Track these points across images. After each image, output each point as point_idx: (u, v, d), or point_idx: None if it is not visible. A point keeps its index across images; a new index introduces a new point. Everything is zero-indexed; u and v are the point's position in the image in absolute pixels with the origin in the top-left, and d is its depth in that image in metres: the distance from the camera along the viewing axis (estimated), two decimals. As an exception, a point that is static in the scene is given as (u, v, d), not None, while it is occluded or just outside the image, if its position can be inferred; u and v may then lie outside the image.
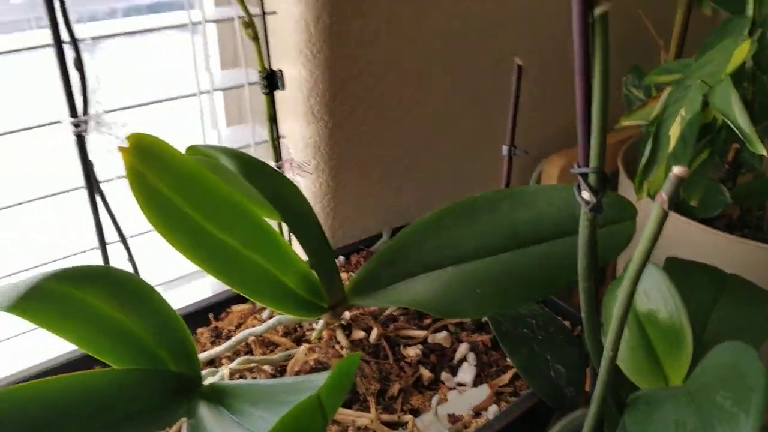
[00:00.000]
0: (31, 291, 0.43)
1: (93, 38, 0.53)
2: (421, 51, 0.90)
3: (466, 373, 0.72)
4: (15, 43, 0.60)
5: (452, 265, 0.72)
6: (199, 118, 0.83)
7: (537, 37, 1.03)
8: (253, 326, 0.77)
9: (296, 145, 0.85)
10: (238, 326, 0.80)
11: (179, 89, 0.74)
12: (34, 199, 0.55)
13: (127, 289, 0.54)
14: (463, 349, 0.75)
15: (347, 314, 0.77)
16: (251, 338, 0.75)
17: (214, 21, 0.71)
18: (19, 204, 0.56)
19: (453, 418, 0.68)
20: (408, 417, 0.66)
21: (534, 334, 0.72)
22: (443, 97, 0.96)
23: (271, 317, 0.79)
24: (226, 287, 0.86)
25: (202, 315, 0.80)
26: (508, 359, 0.72)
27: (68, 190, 0.63)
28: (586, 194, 0.42)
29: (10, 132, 0.55)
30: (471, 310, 0.75)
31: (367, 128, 0.89)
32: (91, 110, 0.48)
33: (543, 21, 1.02)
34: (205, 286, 0.91)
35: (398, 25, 0.85)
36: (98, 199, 0.55)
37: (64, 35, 0.47)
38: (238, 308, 0.82)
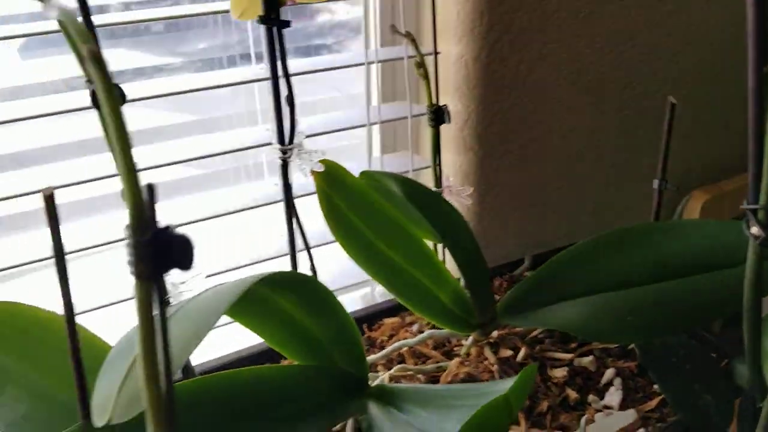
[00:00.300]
0: (244, 294, 0.50)
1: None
2: (570, 86, 0.94)
3: (613, 396, 0.75)
4: (233, 77, 0.70)
5: (603, 293, 0.75)
6: (360, 147, 0.91)
7: (683, 75, 1.04)
8: (405, 338, 0.83)
9: (446, 171, 0.91)
10: (390, 337, 0.86)
11: (346, 120, 0.82)
12: (239, 210, 0.64)
13: (311, 294, 0.61)
14: (609, 373, 0.77)
15: (495, 333, 0.82)
16: (404, 349, 0.81)
17: (386, 60, 0.79)
18: (228, 214, 0.66)
19: (599, 439, 0.70)
20: (556, 433, 0.69)
21: (681, 363, 0.73)
22: (590, 129, 0.99)
23: (420, 332, 0.85)
24: (378, 300, 0.94)
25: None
26: (655, 386, 0.74)
27: (267, 204, 0.73)
28: (755, 229, 0.44)
29: (221, 153, 0.65)
30: (620, 336, 0.77)
31: (514, 158, 0.94)
32: (296, 140, 0.56)
33: (689, 60, 1.03)
34: (356, 299, 0.98)
35: (550, 61, 0.90)
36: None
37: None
38: (389, 321, 0.88)
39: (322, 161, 0.60)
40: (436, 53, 0.73)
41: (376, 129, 0.95)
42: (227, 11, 0.70)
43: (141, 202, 0.27)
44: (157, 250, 0.27)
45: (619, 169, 1.06)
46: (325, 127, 0.80)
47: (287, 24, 0.51)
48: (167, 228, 0.28)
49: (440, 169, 0.76)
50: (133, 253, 0.27)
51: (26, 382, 0.55)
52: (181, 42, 0.81)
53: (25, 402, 0.55)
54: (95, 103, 0.45)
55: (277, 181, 0.83)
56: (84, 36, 0.29)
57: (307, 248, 0.64)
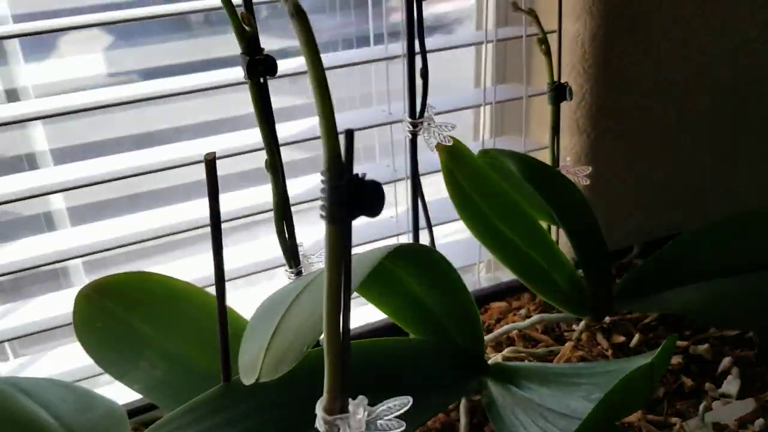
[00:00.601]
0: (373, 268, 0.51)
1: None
2: (687, 68, 0.90)
3: (731, 384, 0.72)
4: (366, 54, 0.72)
5: (724, 277, 0.72)
6: (464, 130, 0.91)
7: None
8: (514, 322, 0.83)
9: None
10: (498, 321, 0.85)
11: (461, 101, 0.82)
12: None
13: (434, 267, 0.62)
14: (726, 362, 0.75)
15: (606, 319, 0.80)
16: (514, 332, 0.80)
17: (504, 39, 0.79)
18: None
19: (718, 427, 0.68)
20: (675, 419, 0.68)
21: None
22: (706, 113, 0.95)
23: (527, 316, 0.84)
24: (483, 285, 0.93)
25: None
26: (780, 376, 0.71)
27: (396, 180, 0.75)
28: None
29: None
30: (740, 322, 0.74)
31: (627, 142, 0.92)
32: (426, 114, 0.57)
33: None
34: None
35: (667, 44, 0.87)
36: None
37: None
38: (495, 305, 0.88)
39: (450, 136, 0.60)
40: (560, 30, 0.72)
41: (482, 112, 0.94)
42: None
43: (338, 147, 0.28)
44: (351, 195, 0.28)
45: (734, 154, 1.02)
46: (439, 107, 0.80)
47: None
48: (360, 175, 0.29)
49: (558, 148, 0.75)
50: (327, 197, 0.28)
51: (163, 348, 0.57)
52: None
53: (162, 367, 0.57)
54: (249, 76, 0.47)
55: (389, 162, 0.85)
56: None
57: (429, 225, 0.65)
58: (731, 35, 0.91)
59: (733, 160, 1.02)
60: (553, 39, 0.77)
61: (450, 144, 0.59)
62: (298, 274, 0.57)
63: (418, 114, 0.57)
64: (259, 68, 0.48)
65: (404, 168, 0.81)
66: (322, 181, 0.28)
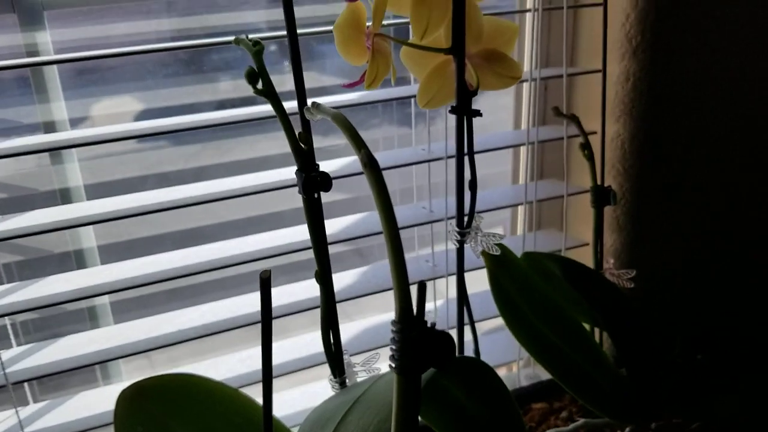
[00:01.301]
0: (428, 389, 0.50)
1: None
2: (727, 163, 0.90)
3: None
4: (410, 156, 0.73)
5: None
6: (520, 223, 0.91)
7: None
8: (556, 426, 0.80)
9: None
10: (539, 424, 0.83)
11: (500, 198, 0.83)
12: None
13: (475, 375, 0.61)
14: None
15: (653, 424, 0.77)
16: (557, 436, 0.78)
17: (544, 141, 0.80)
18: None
19: None
20: None
21: None
22: (749, 208, 0.95)
23: (570, 419, 0.82)
24: (523, 384, 0.91)
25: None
26: None
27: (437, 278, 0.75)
28: None
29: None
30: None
31: (668, 240, 0.91)
32: (474, 223, 0.57)
33: None
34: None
35: (707, 141, 0.87)
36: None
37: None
38: (537, 406, 0.86)
39: (499, 246, 0.60)
40: (603, 134, 0.73)
41: (520, 208, 0.94)
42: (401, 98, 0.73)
43: (410, 300, 0.28)
44: (422, 347, 0.27)
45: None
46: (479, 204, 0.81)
47: (478, 113, 0.53)
48: (432, 326, 0.29)
49: (602, 250, 0.74)
50: (398, 349, 0.28)
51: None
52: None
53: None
54: (305, 192, 0.48)
55: (428, 257, 0.85)
56: (358, 144, 0.31)
57: (472, 323, 0.64)
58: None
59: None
60: (593, 139, 0.77)
61: (498, 253, 0.59)
62: (342, 384, 0.56)
63: (465, 224, 0.57)
64: (315, 184, 0.49)
65: (443, 263, 0.81)
66: (393, 332, 0.28)
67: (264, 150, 0.81)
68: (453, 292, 0.68)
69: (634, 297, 0.91)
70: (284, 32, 0.48)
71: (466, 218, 0.58)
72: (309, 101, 0.50)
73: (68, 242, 0.74)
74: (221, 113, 0.69)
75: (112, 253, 0.75)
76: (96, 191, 0.73)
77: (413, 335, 0.28)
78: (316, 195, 0.50)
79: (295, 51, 0.48)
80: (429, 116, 0.78)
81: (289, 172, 0.72)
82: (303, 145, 0.49)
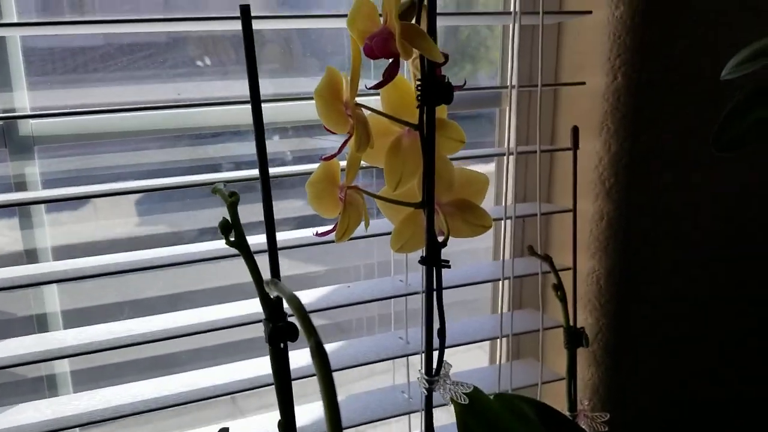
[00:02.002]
0: None
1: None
2: (707, 299, 0.91)
3: None
4: (376, 288, 0.73)
5: None
6: (499, 352, 0.90)
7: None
8: None
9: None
10: None
11: (480, 331, 0.83)
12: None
13: None
14: None
15: None
16: None
17: (522, 276, 0.80)
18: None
19: None
20: None
21: None
22: (730, 341, 0.94)
23: None
24: None
25: None
26: None
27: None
28: None
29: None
30: None
31: (646, 374, 0.90)
32: (442, 371, 0.57)
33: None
34: None
35: (684, 275, 0.88)
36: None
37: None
38: None
39: (467, 396, 0.59)
40: (575, 274, 0.74)
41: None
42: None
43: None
44: None
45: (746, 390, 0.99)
46: (454, 340, 0.81)
47: (447, 264, 0.54)
48: None
49: (575, 392, 0.73)
50: None
51: None
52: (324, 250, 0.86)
53: None
54: (271, 342, 0.48)
55: (404, 388, 0.83)
56: (309, 331, 0.31)
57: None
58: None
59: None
60: (567, 276, 0.78)
61: (466, 403, 0.58)
62: None
63: (434, 371, 0.57)
64: (281, 334, 0.49)
65: (419, 395, 0.79)
66: None
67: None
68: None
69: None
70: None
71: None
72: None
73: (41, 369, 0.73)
74: (199, 246, 0.70)
75: (84, 379, 0.74)
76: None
77: None
78: (282, 345, 0.50)
79: (267, 196, 0.49)
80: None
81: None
82: (272, 295, 0.49)
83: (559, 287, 0.72)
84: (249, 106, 0.46)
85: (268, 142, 0.81)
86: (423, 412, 0.58)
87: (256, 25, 0.72)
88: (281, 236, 0.73)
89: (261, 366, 0.75)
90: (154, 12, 0.71)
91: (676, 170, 0.83)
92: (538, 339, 0.89)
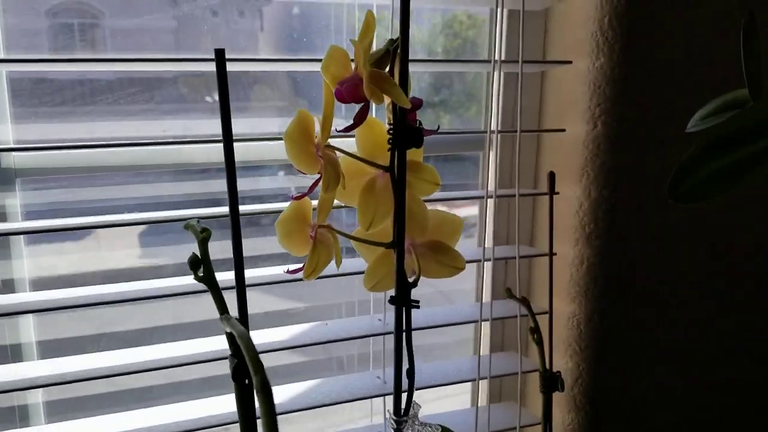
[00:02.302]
0: None
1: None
2: (688, 345, 0.91)
3: None
4: (364, 327, 0.73)
5: None
6: (479, 393, 0.90)
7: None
8: None
9: (556, 427, 0.88)
10: None
11: (455, 371, 0.82)
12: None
13: None
14: None
15: None
16: None
17: (500, 318, 0.81)
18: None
19: None
20: None
21: None
22: (714, 383, 0.94)
23: None
24: None
25: None
26: None
27: None
28: None
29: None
30: None
31: (626, 420, 0.89)
32: (411, 411, 0.57)
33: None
34: None
35: (666, 323, 0.88)
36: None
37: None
38: None
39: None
40: (551, 315, 0.74)
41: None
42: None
43: None
44: None
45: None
46: (432, 380, 0.80)
47: (416, 304, 0.54)
48: None
49: (551, 435, 0.73)
50: None
51: None
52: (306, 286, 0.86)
53: None
54: (234, 378, 0.48)
55: (380, 374, 0.83)
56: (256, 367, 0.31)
57: None
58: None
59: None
60: (544, 321, 0.78)
61: (433, 443, 0.58)
62: None
63: (402, 411, 0.57)
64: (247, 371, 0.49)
65: None
66: None
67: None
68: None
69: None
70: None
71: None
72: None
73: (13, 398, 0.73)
74: (173, 281, 0.70)
75: (58, 410, 0.74)
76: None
77: None
78: (246, 381, 0.50)
79: (237, 233, 0.49)
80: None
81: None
82: (226, 331, 0.49)
83: (535, 330, 0.72)
84: (239, 144, 0.47)
85: (273, 178, 0.82)
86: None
87: (244, 66, 0.74)
88: (256, 272, 0.73)
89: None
90: (165, 49, 0.73)
91: (656, 217, 0.84)
92: (517, 382, 0.88)
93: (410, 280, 0.55)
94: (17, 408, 0.73)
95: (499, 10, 0.75)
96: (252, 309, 0.54)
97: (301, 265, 0.54)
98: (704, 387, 0.93)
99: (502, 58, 0.82)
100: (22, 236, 0.69)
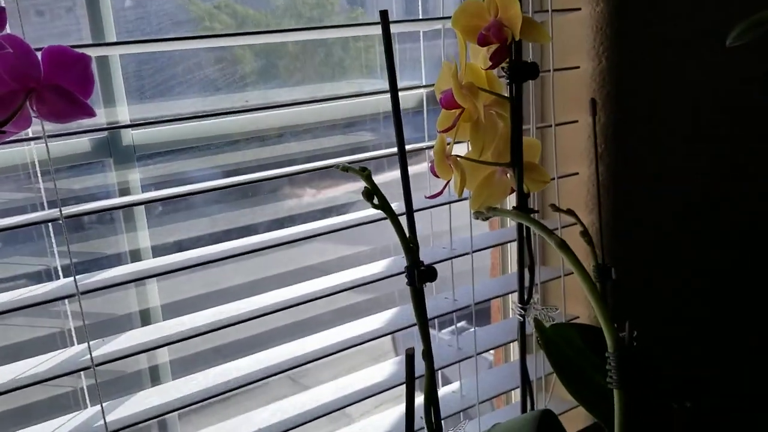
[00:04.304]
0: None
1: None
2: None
3: None
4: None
5: None
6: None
7: None
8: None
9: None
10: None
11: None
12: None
13: None
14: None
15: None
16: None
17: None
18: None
19: None
20: None
21: None
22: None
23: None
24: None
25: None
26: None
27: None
28: None
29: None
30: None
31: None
32: (532, 300, 0.69)
33: None
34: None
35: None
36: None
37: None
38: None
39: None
40: (601, 219, 0.88)
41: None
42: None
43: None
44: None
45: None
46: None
47: (535, 210, 0.66)
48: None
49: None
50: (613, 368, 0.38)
51: None
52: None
53: None
54: (412, 283, 0.58)
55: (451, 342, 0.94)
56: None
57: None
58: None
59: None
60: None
61: (552, 322, 0.70)
62: None
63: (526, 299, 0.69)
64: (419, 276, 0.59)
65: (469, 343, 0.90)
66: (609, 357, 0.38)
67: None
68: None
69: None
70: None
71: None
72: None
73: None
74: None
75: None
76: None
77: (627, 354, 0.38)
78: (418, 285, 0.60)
79: (404, 165, 0.58)
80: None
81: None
82: (411, 245, 0.59)
83: (585, 233, 0.85)
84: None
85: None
86: (519, 336, 0.70)
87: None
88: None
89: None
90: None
91: (656, 133, 0.99)
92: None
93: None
94: (149, 369, 0.79)
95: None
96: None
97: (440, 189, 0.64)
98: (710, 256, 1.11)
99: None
100: (144, 208, 0.75)
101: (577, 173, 0.98)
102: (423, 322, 0.61)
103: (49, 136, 0.58)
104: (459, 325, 0.96)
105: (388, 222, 0.57)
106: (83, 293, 0.61)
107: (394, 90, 0.57)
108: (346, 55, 0.91)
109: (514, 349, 1.11)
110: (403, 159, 0.59)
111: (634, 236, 1.01)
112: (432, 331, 1.02)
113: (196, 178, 0.78)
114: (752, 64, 1.06)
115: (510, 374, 0.97)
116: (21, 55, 0.47)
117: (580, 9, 0.92)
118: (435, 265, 0.57)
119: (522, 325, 0.69)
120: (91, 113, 0.49)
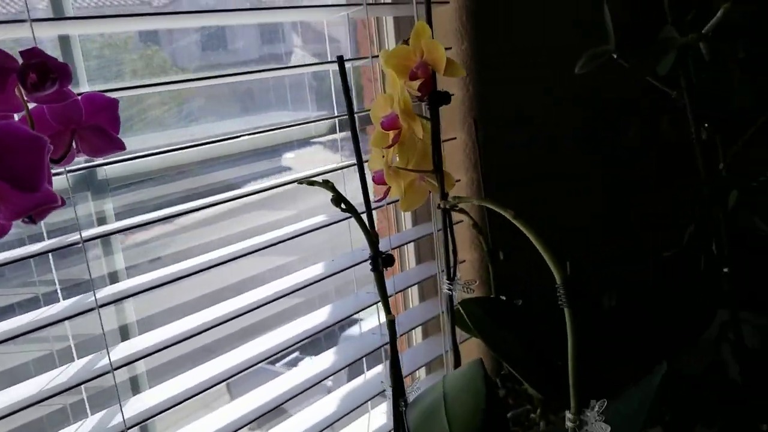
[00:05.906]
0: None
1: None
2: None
3: None
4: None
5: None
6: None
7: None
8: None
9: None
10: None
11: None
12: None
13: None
14: None
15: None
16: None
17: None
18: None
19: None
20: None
21: None
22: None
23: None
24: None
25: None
26: None
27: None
28: None
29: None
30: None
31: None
32: (456, 277, 0.85)
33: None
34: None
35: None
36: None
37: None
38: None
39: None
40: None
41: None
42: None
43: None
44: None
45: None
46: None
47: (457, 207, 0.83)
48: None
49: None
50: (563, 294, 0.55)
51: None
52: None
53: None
54: (375, 269, 0.72)
55: (375, 330, 1.09)
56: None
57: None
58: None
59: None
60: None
61: (472, 293, 0.87)
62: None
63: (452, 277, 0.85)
64: (382, 262, 0.74)
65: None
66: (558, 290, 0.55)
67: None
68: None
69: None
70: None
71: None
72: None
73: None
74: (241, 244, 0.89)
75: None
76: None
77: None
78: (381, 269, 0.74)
79: (362, 176, 0.73)
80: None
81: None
82: (374, 238, 0.74)
83: (476, 225, 1.04)
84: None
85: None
86: (447, 310, 0.86)
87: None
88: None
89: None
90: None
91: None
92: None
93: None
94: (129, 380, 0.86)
95: None
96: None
97: (384, 194, 0.79)
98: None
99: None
100: (118, 234, 0.82)
101: (459, 180, 1.18)
102: (385, 299, 0.76)
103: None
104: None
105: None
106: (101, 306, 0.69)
107: (351, 115, 0.71)
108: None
109: (416, 335, 1.27)
110: (361, 170, 0.73)
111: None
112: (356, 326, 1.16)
113: (160, 205, 0.87)
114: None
115: (430, 348, 1.13)
116: (69, 104, 0.55)
117: (448, 2, 1.12)
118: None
119: (450, 298, 0.86)
120: (122, 147, 0.58)
